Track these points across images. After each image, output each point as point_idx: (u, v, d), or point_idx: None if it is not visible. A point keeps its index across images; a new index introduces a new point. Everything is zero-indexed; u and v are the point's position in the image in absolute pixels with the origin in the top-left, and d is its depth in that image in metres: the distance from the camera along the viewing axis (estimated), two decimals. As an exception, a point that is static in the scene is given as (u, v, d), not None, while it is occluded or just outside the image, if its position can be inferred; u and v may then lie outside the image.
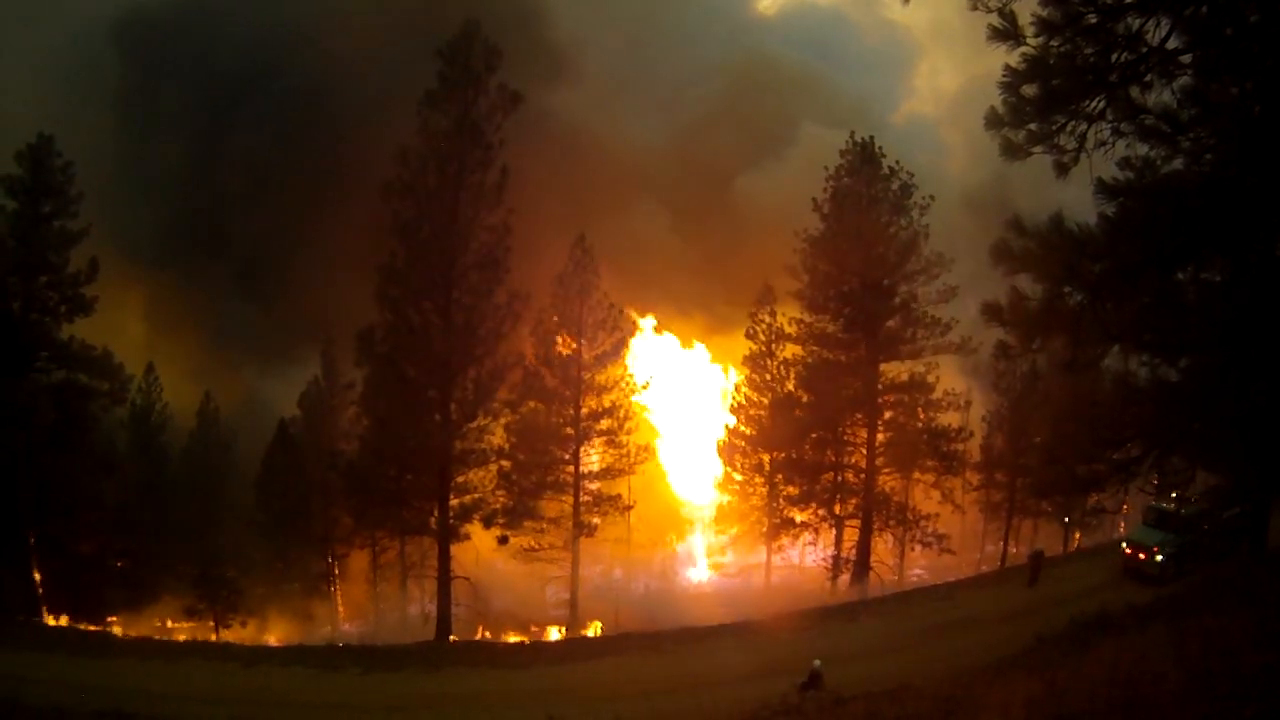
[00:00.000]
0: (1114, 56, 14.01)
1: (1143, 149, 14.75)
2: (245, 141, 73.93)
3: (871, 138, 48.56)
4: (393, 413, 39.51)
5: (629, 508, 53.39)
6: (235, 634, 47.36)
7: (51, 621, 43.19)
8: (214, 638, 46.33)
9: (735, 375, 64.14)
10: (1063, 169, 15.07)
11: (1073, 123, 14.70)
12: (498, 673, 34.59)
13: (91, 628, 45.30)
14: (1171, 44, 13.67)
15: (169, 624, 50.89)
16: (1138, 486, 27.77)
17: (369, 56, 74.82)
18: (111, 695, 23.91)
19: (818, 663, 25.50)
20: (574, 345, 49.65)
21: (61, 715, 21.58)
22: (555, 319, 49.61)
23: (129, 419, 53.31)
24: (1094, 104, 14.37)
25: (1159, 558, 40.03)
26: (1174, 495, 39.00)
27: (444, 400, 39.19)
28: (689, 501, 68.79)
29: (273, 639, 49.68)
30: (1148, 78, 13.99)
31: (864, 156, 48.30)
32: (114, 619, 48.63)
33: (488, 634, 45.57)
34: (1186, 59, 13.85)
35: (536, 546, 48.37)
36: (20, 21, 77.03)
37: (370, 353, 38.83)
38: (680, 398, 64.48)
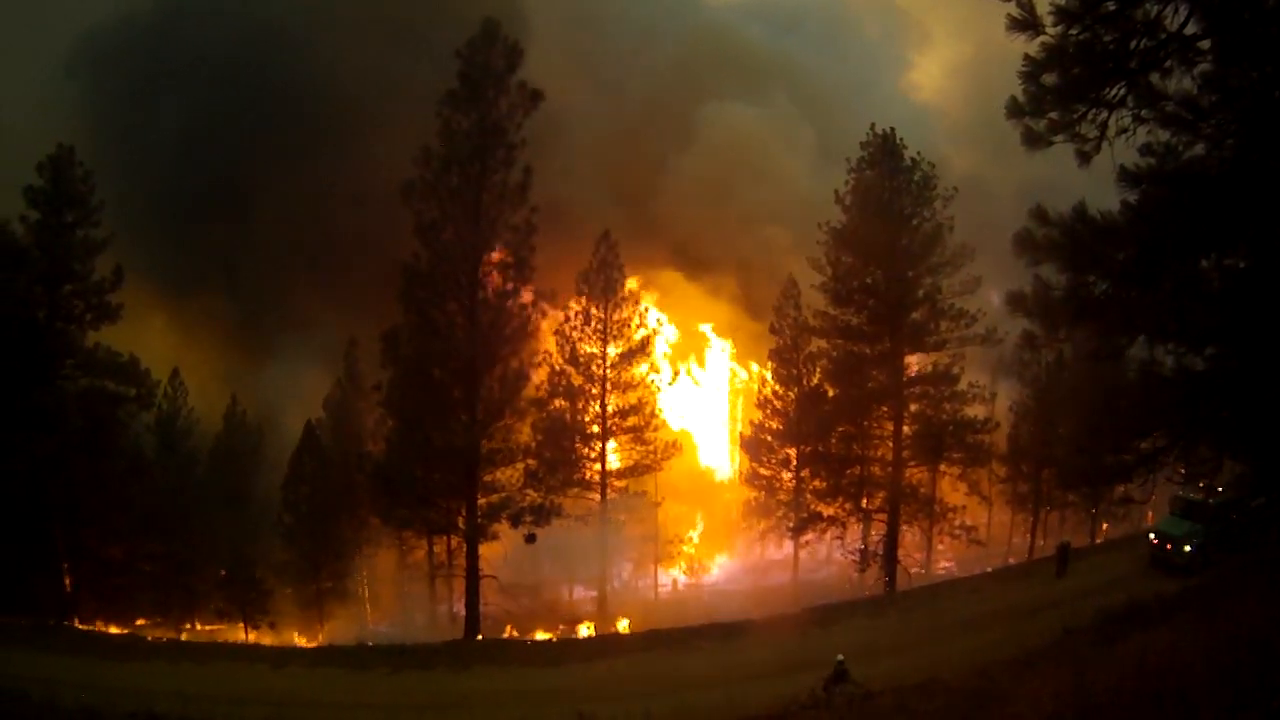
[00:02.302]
0: (1133, 43, 13.94)
1: (1164, 135, 14.67)
2: (259, 142, 74.25)
3: (892, 129, 48.33)
4: (419, 413, 39.51)
5: (656, 505, 53.55)
6: (264, 635, 47.61)
7: (81, 625, 43.51)
8: (243, 639, 46.60)
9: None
10: (1084, 157, 15.01)
11: (1093, 111, 14.64)
12: (526, 671, 34.55)
13: (121, 630, 45.65)
14: (1190, 30, 13.59)
15: (198, 626, 51.25)
16: (1165, 476, 27.66)
17: (385, 59, 75.05)
18: (143, 697, 24.03)
19: (840, 657, 25.43)
20: (599, 343, 49.84)
21: (94, 717, 21.72)
22: (580, 317, 49.84)
23: (156, 424, 53.70)
24: (1114, 91, 14.32)
25: (1186, 548, 39.66)
26: (1201, 485, 38.70)
27: (470, 400, 39.19)
28: (715, 496, 68.92)
29: (301, 640, 49.95)
30: (1167, 64, 13.92)
31: (885, 148, 48.09)
32: (143, 621, 48.98)
33: (515, 632, 45.66)
34: (1205, 44, 13.76)
35: (564, 544, 48.55)
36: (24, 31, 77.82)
37: (395, 354, 38.85)
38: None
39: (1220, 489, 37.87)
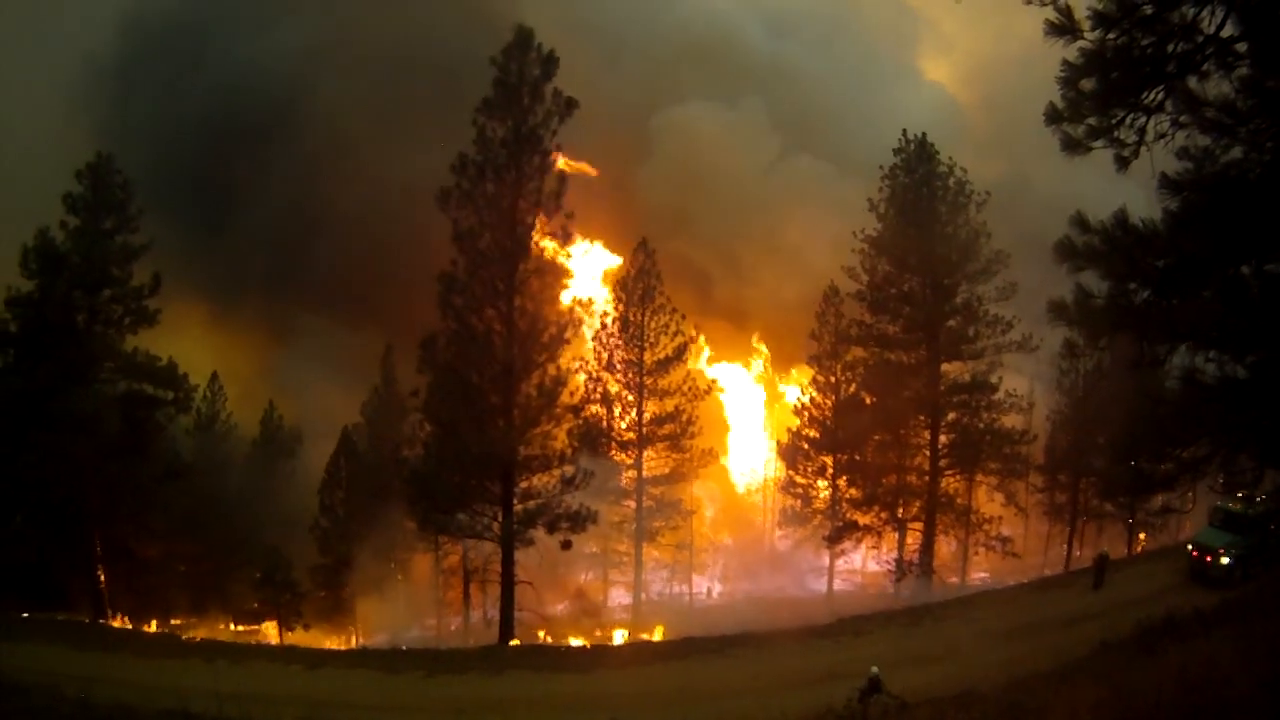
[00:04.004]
0: (1170, 47, 13.83)
1: (1204, 140, 14.54)
2: (296, 149, 74.81)
3: (924, 134, 48.14)
4: (456, 419, 39.53)
5: (691, 513, 53.46)
6: (299, 637, 47.83)
7: (117, 623, 43.94)
8: (278, 640, 46.86)
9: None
10: (1123, 162, 14.89)
11: (1132, 115, 14.52)
12: (561, 676, 34.52)
13: (156, 629, 46.07)
14: (1227, 32, 13.47)
15: (233, 626, 51.64)
16: (1206, 485, 27.41)
17: (421, 65, 75.37)
18: (178, 695, 24.18)
19: (875, 669, 25.30)
20: (636, 350, 49.88)
21: (129, 714, 21.89)
22: (617, 323, 49.91)
23: (194, 427, 54.19)
24: (1152, 96, 14.20)
25: (1225, 560, 39.00)
26: (1240, 495, 38.17)
27: (507, 406, 39.21)
28: (751, 505, 68.80)
29: (336, 642, 50.17)
30: (1205, 67, 13.79)
31: (919, 155, 47.88)
32: (178, 621, 49.46)
33: (549, 638, 45.68)
34: (1243, 47, 13.62)
35: (600, 551, 48.58)
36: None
37: (433, 361, 38.89)
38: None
39: (1260, 499, 37.41)
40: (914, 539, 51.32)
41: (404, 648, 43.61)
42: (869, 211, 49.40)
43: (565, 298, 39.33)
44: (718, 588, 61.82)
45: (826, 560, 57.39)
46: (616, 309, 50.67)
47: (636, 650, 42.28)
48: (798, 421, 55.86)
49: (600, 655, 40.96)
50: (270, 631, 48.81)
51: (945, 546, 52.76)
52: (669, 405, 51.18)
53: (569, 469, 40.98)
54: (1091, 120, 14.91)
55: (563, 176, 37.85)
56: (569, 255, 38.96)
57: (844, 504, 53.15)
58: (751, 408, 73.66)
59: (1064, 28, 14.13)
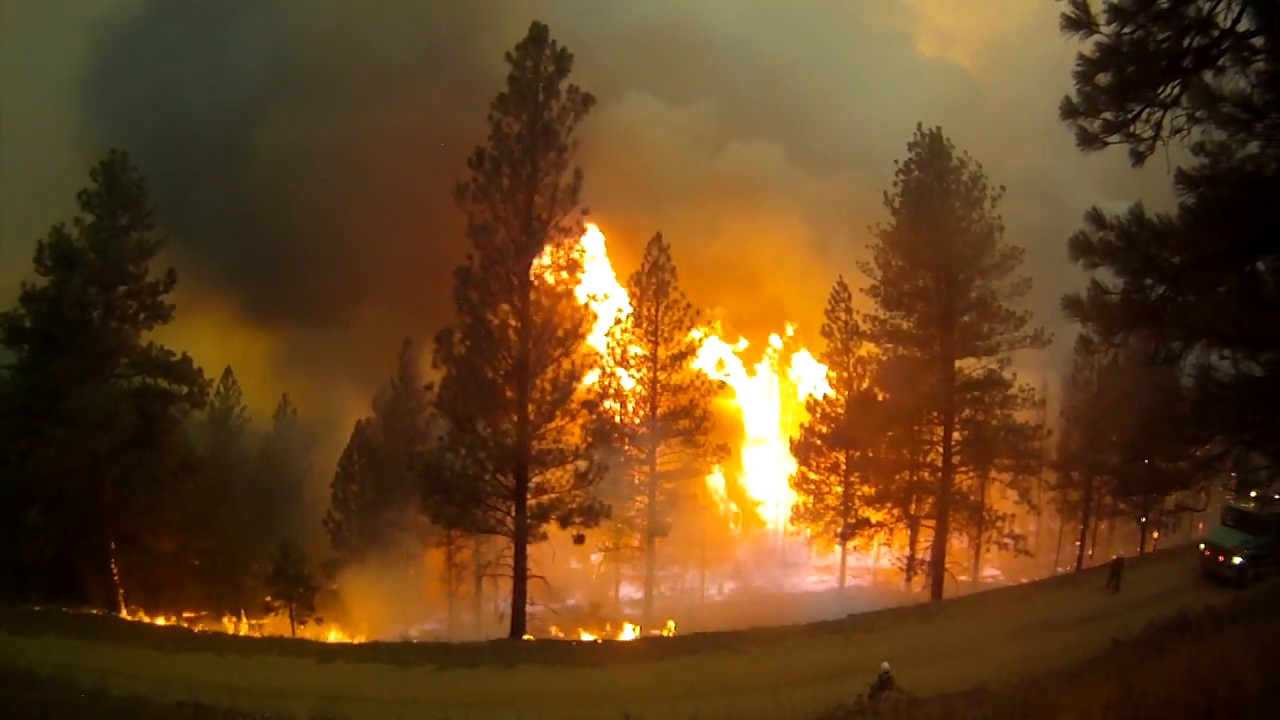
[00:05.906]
0: (1186, 41, 13.78)
1: (1220, 135, 14.48)
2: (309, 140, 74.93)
3: (939, 128, 47.90)
4: (471, 414, 39.56)
5: (703, 508, 53.40)
6: (310, 630, 47.93)
7: (130, 616, 44.15)
8: (290, 633, 46.97)
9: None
10: (1139, 157, 14.84)
11: (1148, 110, 14.47)
12: (572, 671, 34.61)
13: (169, 622, 46.27)
14: (1243, 26, 13.41)
15: (245, 620, 51.77)
16: (1220, 484, 27.33)
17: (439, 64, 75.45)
18: (190, 687, 24.25)
19: (886, 665, 25.29)
20: (650, 345, 49.87)
21: (142, 705, 21.95)
22: (631, 319, 49.88)
23: (208, 422, 54.40)
24: (1168, 90, 14.15)
25: (1237, 560, 38.86)
26: (1253, 495, 38.03)
27: (522, 401, 39.23)
28: (763, 502, 68.75)
29: (347, 636, 50.28)
30: (1221, 62, 13.74)
31: (933, 149, 47.66)
32: (191, 615, 49.63)
33: (561, 633, 45.70)
34: (1259, 42, 13.57)
35: (612, 546, 48.53)
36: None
37: (448, 355, 38.92)
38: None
39: (1274, 498, 37.32)
40: (926, 536, 51.18)
41: (415, 641, 43.61)
42: (884, 205, 49.23)
43: (581, 293, 39.26)
44: (729, 583, 61.79)
45: (838, 556, 57.37)
46: (631, 304, 50.66)
47: (648, 645, 42.27)
48: (808, 417, 55.76)
49: (612, 650, 41.00)
50: (283, 625, 48.91)
51: (957, 543, 52.58)
52: (683, 400, 51.11)
53: (582, 464, 41.01)
54: (1107, 115, 14.87)
55: (578, 172, 37.79)
56: (584, 251, 38.90)
57: (856, 500, 53.06)
58: (764, 404, 73.60)
59: (1080, 21, 14.11)
